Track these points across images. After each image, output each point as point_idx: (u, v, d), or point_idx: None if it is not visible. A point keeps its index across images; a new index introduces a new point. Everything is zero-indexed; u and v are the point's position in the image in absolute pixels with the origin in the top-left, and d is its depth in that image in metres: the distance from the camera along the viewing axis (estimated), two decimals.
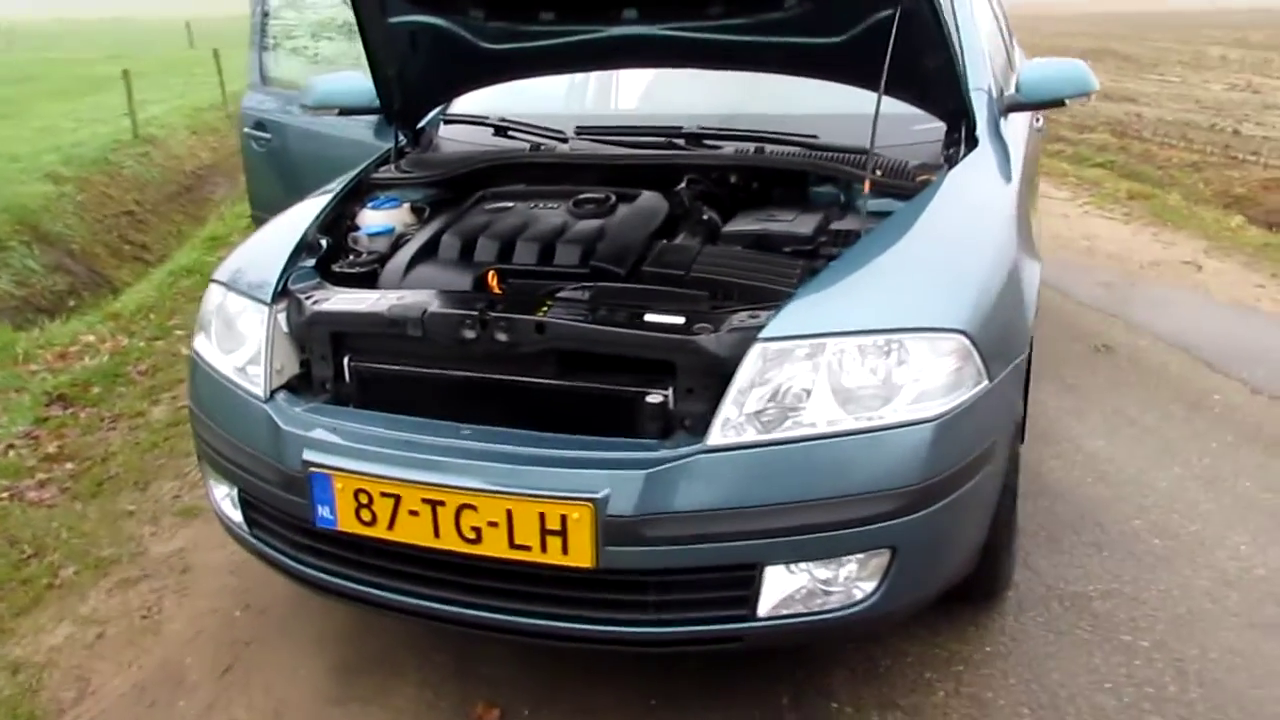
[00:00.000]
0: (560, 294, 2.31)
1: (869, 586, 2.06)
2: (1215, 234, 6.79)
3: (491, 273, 2.42)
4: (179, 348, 4.88)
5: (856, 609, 2.07)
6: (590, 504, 1.94)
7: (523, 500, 1.98)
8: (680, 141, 2.85)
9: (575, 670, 2.49)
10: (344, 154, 3.89)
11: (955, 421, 2.03)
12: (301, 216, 2.75)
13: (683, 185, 2.67)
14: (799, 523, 1.97)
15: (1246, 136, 11.80)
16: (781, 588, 2.04)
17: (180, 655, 2.67)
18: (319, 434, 2.18)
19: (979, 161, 2.65)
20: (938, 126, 2.80)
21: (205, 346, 2.53)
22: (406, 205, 2.91)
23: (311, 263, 2.56)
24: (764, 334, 2.01)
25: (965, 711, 2.34)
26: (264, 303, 2.39)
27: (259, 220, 4.39)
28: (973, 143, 2.71)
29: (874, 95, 2.74)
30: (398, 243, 2.72)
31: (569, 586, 2.06)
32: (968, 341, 2.05)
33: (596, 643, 2.12)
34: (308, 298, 2.37)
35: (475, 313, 2.14)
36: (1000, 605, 2.68)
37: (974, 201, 2.49)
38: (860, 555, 2.03)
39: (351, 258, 2.67)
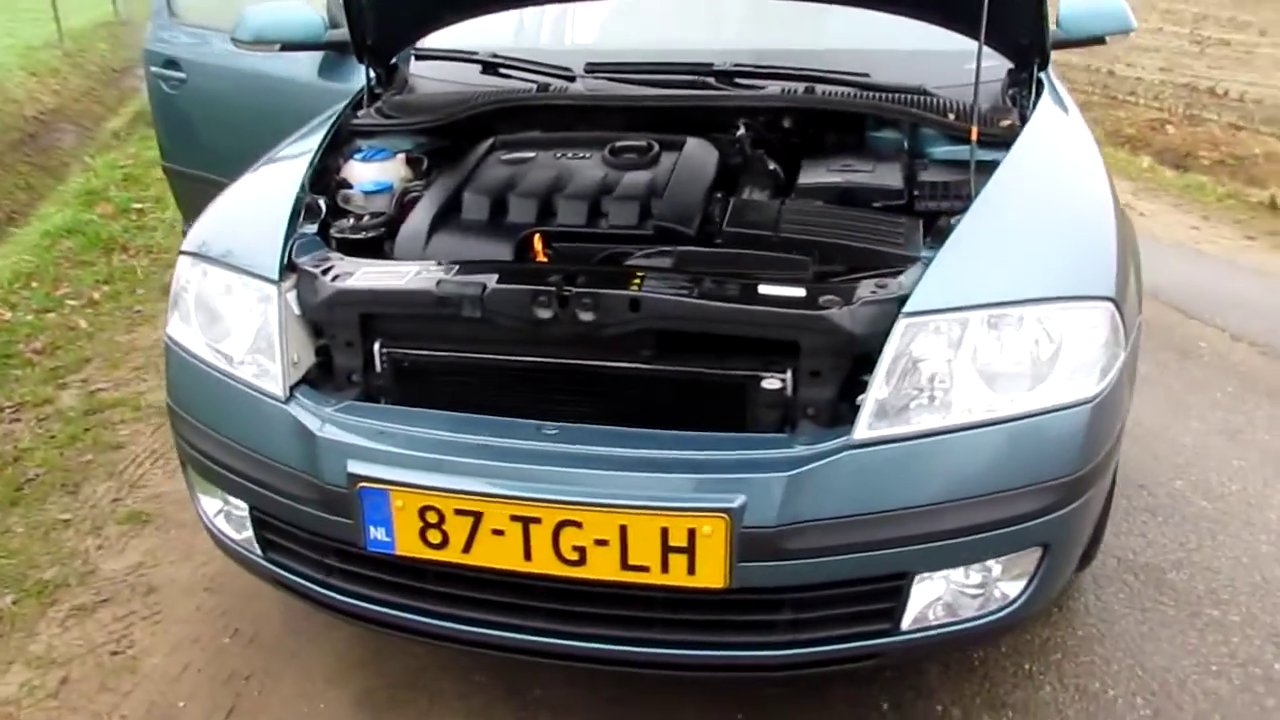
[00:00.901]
0: (630, 262, 1.99)
1: (1015, 588, 1.83)
2: (1135, 175, 6.84)
3: (536, 236, 2.07)
4: (77, 320, 4.31)
5: (1002, 614, 1.84)
6: (725, 515, 1.64)
7: (641, 514, 1.66)
8: (711, 81, 2.51)
9: (643, 685, 2.20)
10: (281, 97, 3.45)
11: (1108, 399, 1.80)
12: (284, 173, 2.32)
13: (741, 131, 2.34)
14: (955, 525, 1.72)
15: (1121, 77, 12.04)
16: (924, 596, 1.79)
17: (169, 697, 2.26)
18: (366, 441, 1.81)
19: (1056, 107, 2.41)
20: (995, 65, 2.55)
21: (184, 333, 2.11)
22: (400, 156, 2.50)
23: (314, 229, 2.15)
24: (909, 307, 1.73)
25: (1079, 707, 2.16)
26: (269, 280, 1.98)
27: (172, 173, 3.88)
28: (1037, 85, 2.47)
29: (927, 29, 2.49)
30: (403, 201, 2.32)
31: (691, 609, 1.77)
32: (1114, 309, 1.82)
33: (721, 670, 1.84)
34: (325, 272, 1.97)
35: (552, 288, 1.79)
36: (1077, 582, 2.50)
37: (1075, 153, 2.25)
38: (1010, 556, 1.80)
39: (352, 221, 2.25)
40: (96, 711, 2.22)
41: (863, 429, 1.70)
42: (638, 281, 1.81)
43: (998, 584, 1.83)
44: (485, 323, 1.84)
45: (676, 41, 2.81)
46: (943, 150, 2.32)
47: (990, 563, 1.80)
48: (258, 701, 2.24)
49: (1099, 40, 2.94)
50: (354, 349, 1.97)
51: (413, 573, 1.85)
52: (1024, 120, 2.29)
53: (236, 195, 2.32)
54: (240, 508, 2.07)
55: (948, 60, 2.64)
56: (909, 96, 2.35)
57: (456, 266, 1.92)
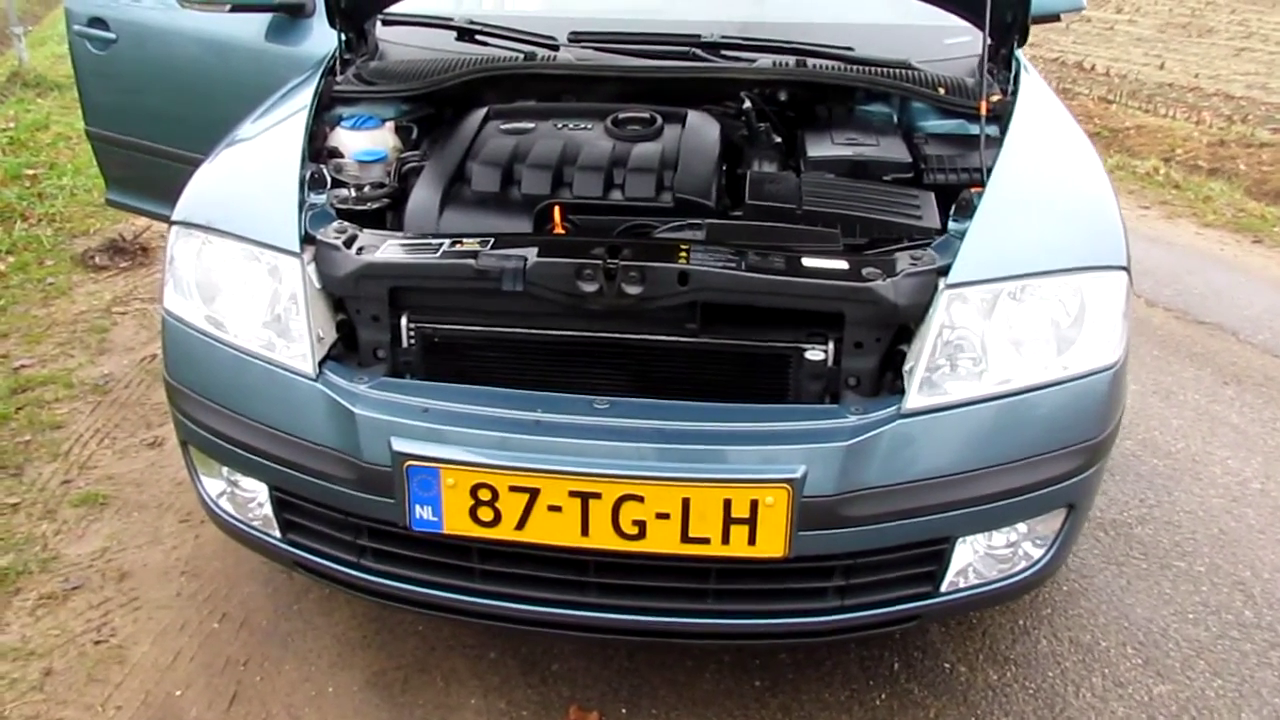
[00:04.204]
0: (660, 233, 1.99)
1: (1042, 547, 1.91)
2: None
3: (556, 208, 2.04)
4: None
5: (1029, 572, 1.92)
6: (787, 485, 1.66)
7: (705, 486, 1.67)
8: (698, 52, 2.50)
9: (660, 658, 2.22)
10: (225, 61, 3.30)
11: (1124, 364, 1.89)
12: (278, 141, 2.22)
13: (747, 104, 2.34)
14: (995, 489, 1.78)
15: None
16: (961, 559, 1.85)
17: (164, 686, 2.16)
18: (409, 418, 1.76)
19: (1035, 82, 2.49)
20: (969, 40, 2.61)
21: (183, 305, 2.01)
22: (389, 125, 2.42)
23: (323, 199, 2.06)
24: (952, 279, 1.77)
25: (1076, 658, 2.26)
26: (289, 252, 1.90)
27: (96, 137, 3.66)
28: (1013, 62, 2.54)
29: (908, 5, 2.55)
30: (403, 172, 2.26)
31: (744, 579, 1.79)
32: (1127, 278, 1.91)
33: (774, 638, 1.87)
34: (348, 244, 1.90)
35: (598, 261, 1.77)
36: None
37: (1063, 127, 2.33)
38: (1041, 517, 1.87)
39: (353, 191, 2.18)
40: (88, 704, 2.12)
41: (914, 398, 1.74)
42: (684, 254, 1.81)
43: (1024, 544, 1.90)
44: (523, 296, 1.81)
45: (656, 11, 2.80)
46: (934, 124, 2.37)
47: (1019, 525, 1.87)
48: (261, 688, 2.17)
49: (1054, 18, 3.05)
50: (380, 324, 1.91)
51: (456, 551, 1.81)
52: (1005, 94, 2.36)
53: (227, 164, 2.21)
54: (248, 489, 2.00)
55: (926, 35, 2.71)
56: (901, 71, 2.40)
57: (491, 239, 1.87)
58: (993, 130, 2.23)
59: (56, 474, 2.90)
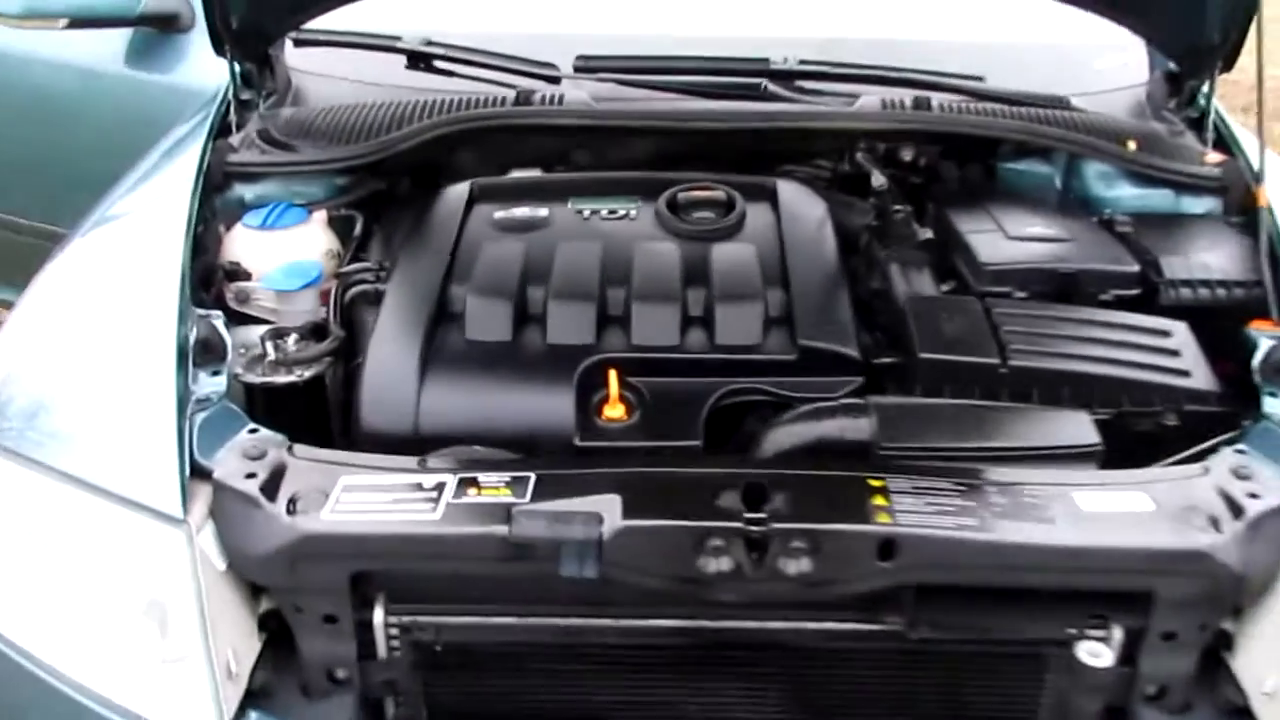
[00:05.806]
0: (797, 423, 1.21)
1: None
2: None
3: (612, 372, 1.24)
4: None
5: None
6: None
7: None
8: (768, 85, 1.71)
9: None
10: (71, 94, 2.41)
11: None
12: (139, 265, 1.38)
13: (879, 180, 1.54)
14: None
15: None
16: None
17: None
18: None
19: (1247, 136, 1.74)
20: (1128, 65, 1.88)
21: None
22: (319, 215, 1.58)
23: (221, 384, 1.22)
24: None
25: None
26: (163, 516, 1.07)
27: None
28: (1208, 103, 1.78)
29: (1052, 13, 1.79)
30: (345, 300, 1.42)
31: None
32: None
33: None
34: (269, 490, 1.06)
35: (735, 524, 0.99)
36: None
37: None
38: None
39: (271, 349, 1.33)
40: None
41: None
42: (879, 498, 1.03)
43: None
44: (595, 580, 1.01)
45: (694, 26, 1.98)
46: (1128, 195, 1.63)
47: None
48: None
49: None
50: (339, 628, 1.09)
51: None
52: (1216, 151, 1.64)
53: (53, 316, 1.35)
54: None
55: (1067, 56, 1.97)
56: (1067, 115, 1.67)
57: (531, 475, 1.06)
58: (1209, 206, 1.52)
59: None
